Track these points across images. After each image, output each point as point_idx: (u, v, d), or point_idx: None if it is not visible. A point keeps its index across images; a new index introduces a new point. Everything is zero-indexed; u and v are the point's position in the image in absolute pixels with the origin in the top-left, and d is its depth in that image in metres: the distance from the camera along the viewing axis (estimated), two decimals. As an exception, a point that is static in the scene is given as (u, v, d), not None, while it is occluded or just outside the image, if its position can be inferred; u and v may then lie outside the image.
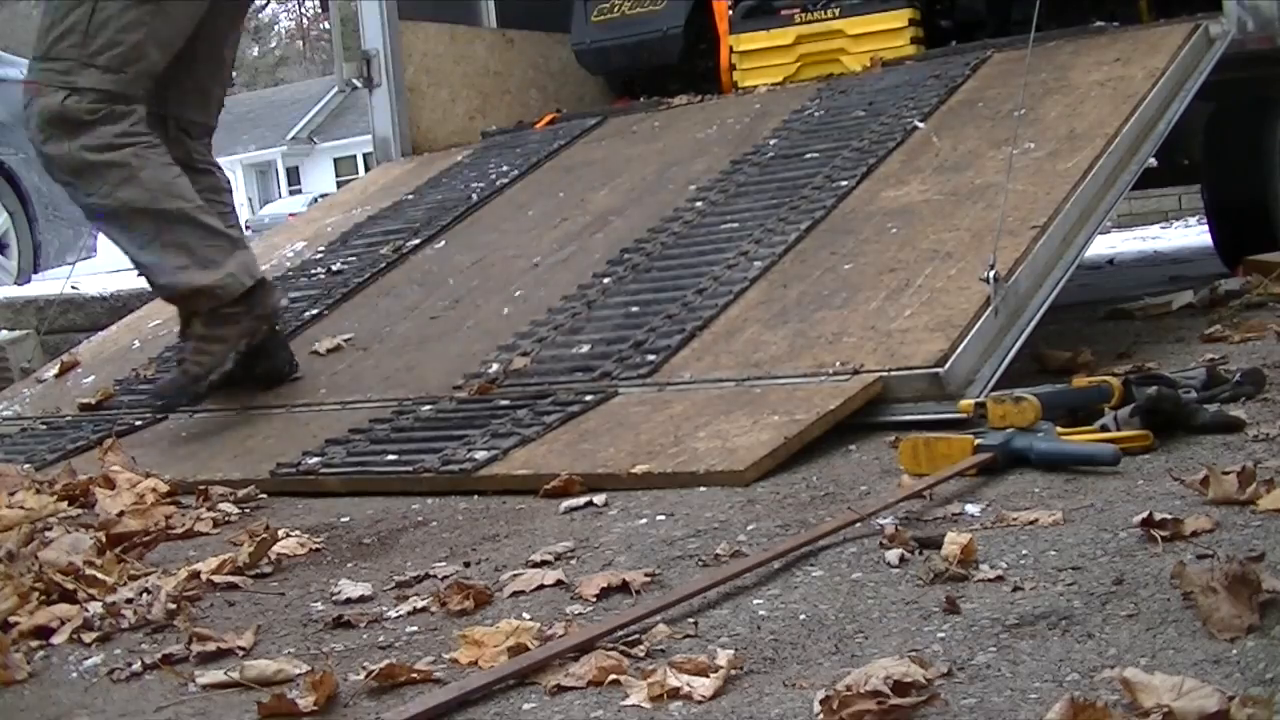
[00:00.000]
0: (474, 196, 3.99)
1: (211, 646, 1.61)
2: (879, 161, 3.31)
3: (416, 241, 3.76)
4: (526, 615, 1.60)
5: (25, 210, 6.02)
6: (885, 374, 2.39)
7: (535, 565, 1.82)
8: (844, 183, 3.24)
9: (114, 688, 1.55)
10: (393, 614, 1.70)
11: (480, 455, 2.37)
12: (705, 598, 1.58)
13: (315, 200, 20.39)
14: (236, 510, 2.36)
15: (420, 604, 1.71)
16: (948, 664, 1.30)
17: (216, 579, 1.94)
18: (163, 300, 3.20)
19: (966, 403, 2.26)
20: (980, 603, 1.46)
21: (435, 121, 4.86)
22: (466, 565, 1.89)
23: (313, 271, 3.78)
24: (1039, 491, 1.87)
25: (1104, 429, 2.08)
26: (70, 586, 1.88)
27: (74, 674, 1.62)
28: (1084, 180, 2.90)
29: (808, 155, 3.50)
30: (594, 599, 1.64)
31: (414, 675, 1.44)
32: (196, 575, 1.94)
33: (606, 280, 3.12)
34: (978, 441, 2.02)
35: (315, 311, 3.47)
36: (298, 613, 1.77)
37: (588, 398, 2.56)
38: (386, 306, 3.41)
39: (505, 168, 4.19)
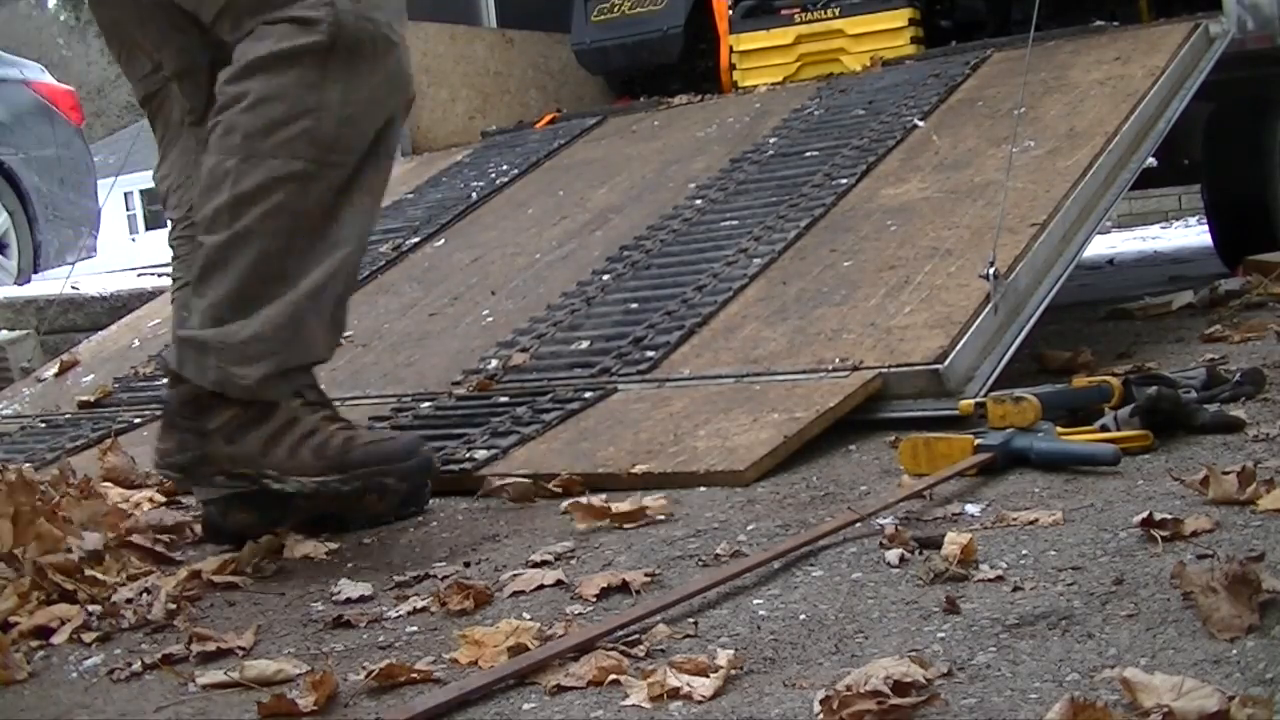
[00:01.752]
0: (474, 195, 3.99)
1: (211, 646, 1.61)
2: (879, 160, 3.32)
3: (416, 240, 3.76)
4: (526, 615, 1.60)
5: (25, 210, 6.02)
6: (885, 370, 2.39)
7: (535, 565, 1.82)
8: (844, 180, 3.24)
9: (114, 688, 1.55)
10: (393, 614, 1.70)
11: (480, 454, 2.37)
12: (705, 598, 1.58)
13: (315, 199, 20.29)
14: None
15: (420, 604, 1.71)
16: (948, 664, 1.30)
17: (216, 579, 1.94)
18: None
19: (966, 403, 2.26)
20: (980, 603, 1.46)
21: (435, 121, 4.86)
22: (466, 565, 1.89)
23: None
24: (1039, 491, 1.87)
25: (1104, 429, 2.08)
26: (70, 587, 1.88)
27: (74, 674, 1.62)
28: (1084, 178, 2.90)
29: (807, 154, 3.50)
30: (594, 599, 1.64)
31: (414, 675, 1.44)
32: (197, 575, 1.94)
33: (606, 277, 3.12)
34: (978, 441, 2.02)
35: (315, 311, 3.47)
36: (298, 613, 1.77)
37: (587, 394, 2.56)
38: (385, 304, 3.41)
39: (505, 167, 4.19)
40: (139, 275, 5.68)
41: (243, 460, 1.96)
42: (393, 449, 2.06)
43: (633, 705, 1.30)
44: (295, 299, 1.97)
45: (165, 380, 2.04)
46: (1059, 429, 2.07)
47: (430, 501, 2.28)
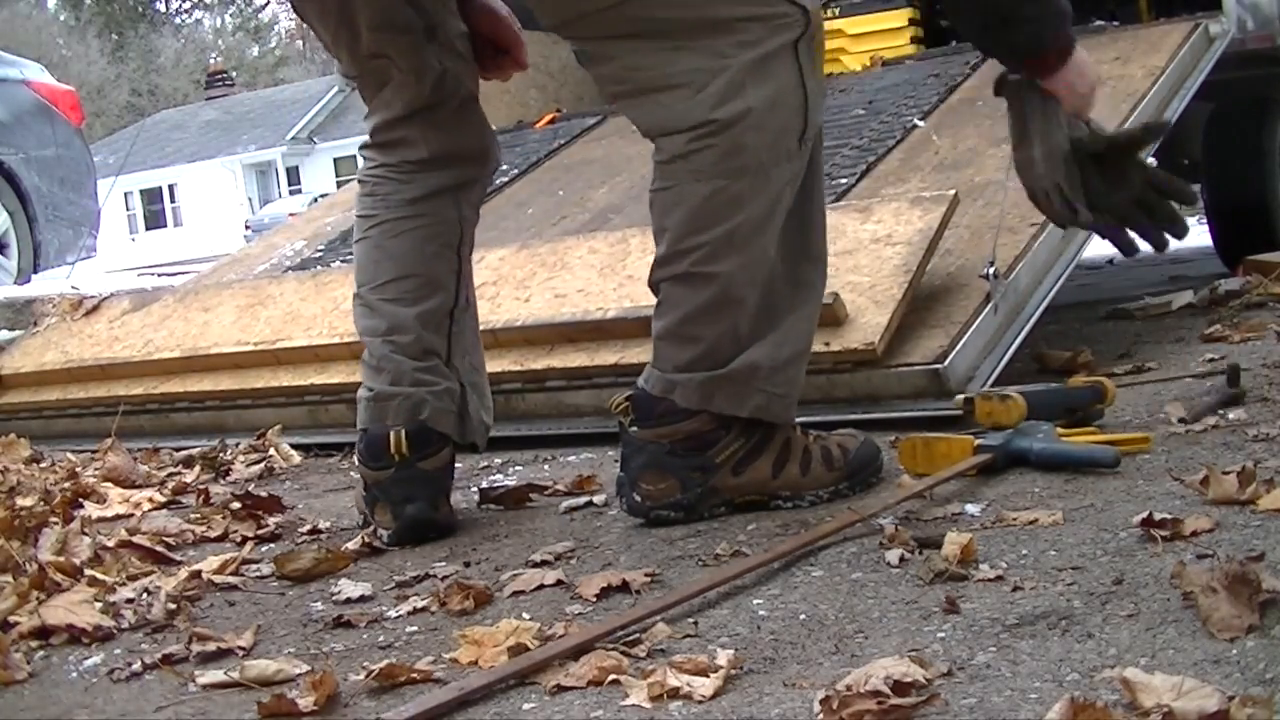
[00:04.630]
0: (474, 195, 3.99)
1: (211, 646, 1.61)
2: (879, 159, 3.32)
3: (416, 241, 3.76)
4: (526, 615, 1.60)
5: (25, 210, 6.02)
6: (885, 370, 2.39)
7: (535, 565, 1.82)
8: (843, 180, 3.24)
9: (114, 688, 1.55)
10: (393, 614, 1.70)
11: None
12: (705, 598, 1.58)
13: (315, 200, 20.40)
14: (239, 505, 2.35)
15: (420, 604, 1.71)
16: (948, 664, 1.30)
17: (216, 579, 1.94)
18: None
19: (957, 398, 2.26)
20: (980, 603, 1.46)
21: (435, 121, 4.84)
22: (466, 565, 1.89)
23: (313, 270, 3.78)
24: (1039, 491, 1.87)
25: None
26: (70, 587, 1.88)
27: (74, 674, 1.62)
28: (1084, 179, 2.90)
29: (807, 154, 3.49)
30: (594, 599, 1.64)
31: (414, 675, 1.44)
32: (197, 575, 1.94)
33: (606, 279, 3.11)
34: (978, 442, 2.02)
35: (315, 311, 3.47)
36: (298, 613, 1.77)
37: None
38: (386, 306, 3.41)
39: (505, 166, 4.19)
40: (139, 275, 5.68)
41: (752, 487, 1.93)
42: (869, 448, 2.03)
43: (633, 705, 1.30)
44: (812, 301, 1.94)
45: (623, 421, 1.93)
46: (1059, 429, 2.06)
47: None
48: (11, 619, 1.76)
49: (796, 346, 1.93)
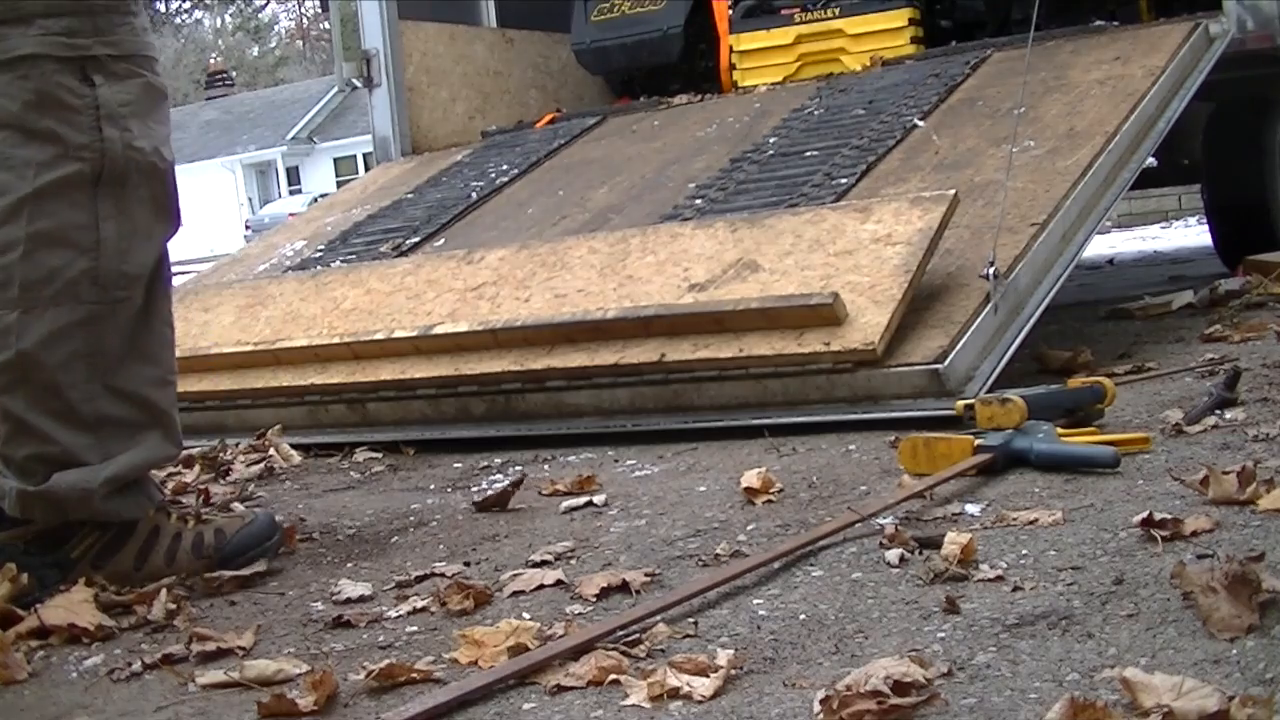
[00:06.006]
0: (474, 195, 4.00)
1: (211, 646, 1.61)
2: (879, 159, 3.32)
3: (416, 240, 3.76)
4: (526, 615, 1.60)
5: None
6: (885, 370, 2.39)
7: (535, 565, 1.82)
8: (844, 180, 3.24)
9: (114, 688, 1.55)
10: (393, 614, 1.70)
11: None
12: (705, 598, 1.58)
13: (315, 200, 20.40)
14: (241, 507, 2.36)
15: (420, 604, 1.71)
16: (948, 664, 1.30)
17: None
18: None
19: (959, 404, 2.26)
20: (980, 603, 1.46)
21: (435, 121, 4.86)
22: (466, 565, 1.89)
23: (313, 270, 3.78)
24: (1039, 491, 1.87)
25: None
26: (70, 587, 1.87)
27: (74, 674, 1.62)
28: (1084, 178, 2.90)
29: (807, 153, 3.50)
30: (594, 599, 1.64)
31: (414, 675, 1.44)
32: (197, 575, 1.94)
33: (606, 279, 3.11)
34: (978, 442, 2.02)
35: (315, 311, 3.47)
36: (298, 613, 1.77)
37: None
38: (386, 306, 3.41)
39: (505, 166, 4.19)
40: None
41: (115, 580, 1.87)
42: (258, 529, 2.00)
43: (633, 705, 1.30)
44: (144, 427, 1.87)
45: None
46: (1059, 430, 2.06)
47: (430, 500, 2.29)
48: (11, 618, 1.76)
49: (119, 470, 1.85)
